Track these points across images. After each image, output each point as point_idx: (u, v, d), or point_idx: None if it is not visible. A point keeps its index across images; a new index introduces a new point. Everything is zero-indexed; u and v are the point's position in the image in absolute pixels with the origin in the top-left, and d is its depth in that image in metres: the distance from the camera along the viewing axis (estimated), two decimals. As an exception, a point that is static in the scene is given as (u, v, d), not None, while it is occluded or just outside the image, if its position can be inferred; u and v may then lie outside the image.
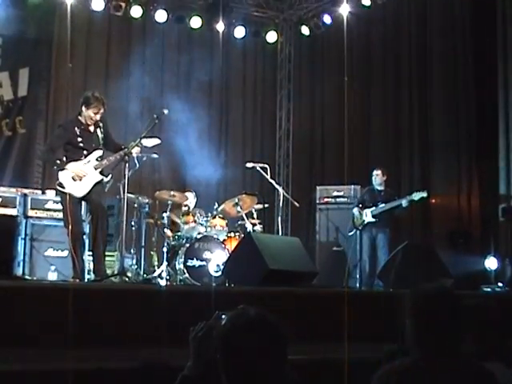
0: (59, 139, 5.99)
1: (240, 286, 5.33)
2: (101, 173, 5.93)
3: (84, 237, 6.05)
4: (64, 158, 5.90)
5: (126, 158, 5.85)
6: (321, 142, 11.11)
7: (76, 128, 5.95)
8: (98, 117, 5.99)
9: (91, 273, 6.08)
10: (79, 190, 5.83)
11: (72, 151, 5.93)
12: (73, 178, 5.82)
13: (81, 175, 5.81)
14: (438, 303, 2.34)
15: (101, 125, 6.08)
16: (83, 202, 6.04)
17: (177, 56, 10.86)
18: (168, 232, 7.80)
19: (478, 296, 5.46)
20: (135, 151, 5.94)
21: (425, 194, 8.02)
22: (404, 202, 8.04)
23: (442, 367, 2.28)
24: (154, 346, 3.66)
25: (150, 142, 5.99)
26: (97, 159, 5.94)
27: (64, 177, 5.84)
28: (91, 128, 6.01)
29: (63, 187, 5.81)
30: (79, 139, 5.93)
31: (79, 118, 6.02)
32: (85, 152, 5.93)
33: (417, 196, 8.01)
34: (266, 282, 4.96)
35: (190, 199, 8.07)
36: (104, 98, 6.03)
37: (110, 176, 6.03)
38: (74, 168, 5.84)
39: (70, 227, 5.73)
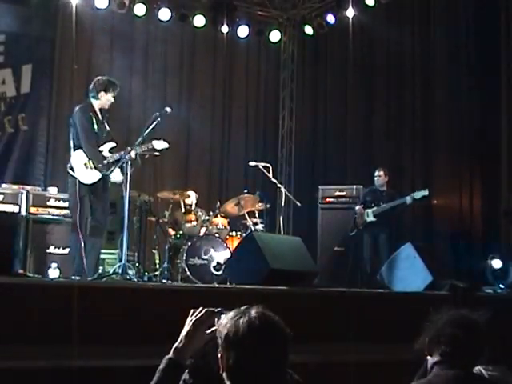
0: (88, 128, 5.85)
1: (241, 285, 5.32)
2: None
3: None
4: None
5: (130, 156, 5.80)
6: (323, 142, 11.10)
7: (90, 113, 5.91)
8: (110, 103, 6.00)
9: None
10: (88, 177, 5.75)
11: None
12: (85, 165, 5.77)
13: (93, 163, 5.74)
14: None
15: (107, 115, 6.05)
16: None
17: (180, 54, 10.86)
18: (170, 230, 7.81)
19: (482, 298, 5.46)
20: (133, 153, 5.78)
21: (426, 193, 8.03)
22: (408, 200, 8.05)
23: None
24: (155, 345, 3.65)
25: (159, 145, 5.90)
26: (110, 151, 5.90)
27: (77, 160, 5.77)
28: (100, 116, 5.98)
29: (73, 171, 5.75)
30: (95, 126, 5.87)
31: (90, 103, 5.96)
32: (96, 140, 5.85)
33: (418, 195, 8.03)
34: (267, 282, 4.95)
35: (192, 198, 8.07)
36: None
37: (110, 171, 5.94)
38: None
39: (78, 216, 5.63)
